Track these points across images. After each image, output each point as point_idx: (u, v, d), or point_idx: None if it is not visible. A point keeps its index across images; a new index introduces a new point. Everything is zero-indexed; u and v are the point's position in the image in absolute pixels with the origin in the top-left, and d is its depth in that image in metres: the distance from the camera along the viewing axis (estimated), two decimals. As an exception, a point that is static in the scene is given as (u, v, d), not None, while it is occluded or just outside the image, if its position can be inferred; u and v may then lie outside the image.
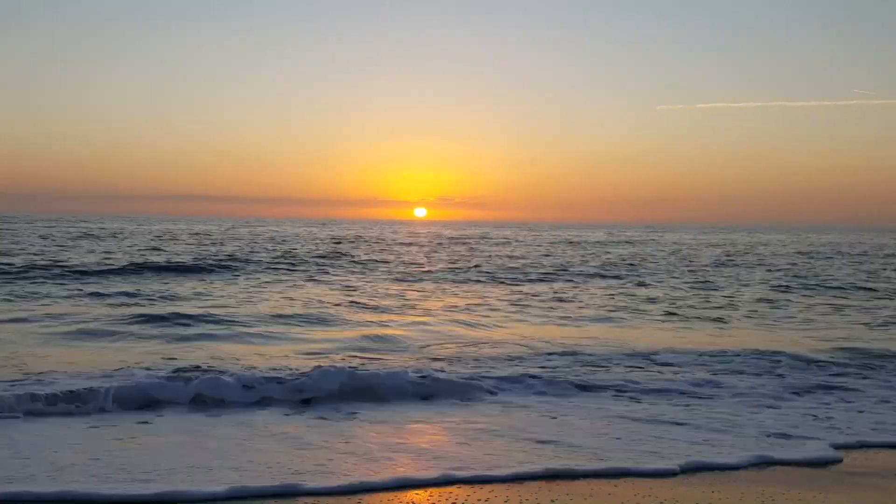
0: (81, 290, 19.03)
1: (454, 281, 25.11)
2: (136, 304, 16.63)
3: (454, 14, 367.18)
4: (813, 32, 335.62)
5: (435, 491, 5.73)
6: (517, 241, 63.47)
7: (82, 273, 23.02)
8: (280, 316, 15.36)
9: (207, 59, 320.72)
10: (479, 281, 25.34)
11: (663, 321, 16.28)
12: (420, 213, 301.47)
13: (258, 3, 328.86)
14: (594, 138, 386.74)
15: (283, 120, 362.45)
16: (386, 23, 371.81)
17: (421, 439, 7.13)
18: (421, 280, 25.22)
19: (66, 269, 23.62)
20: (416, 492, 5.71)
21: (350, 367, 9.46)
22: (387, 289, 21.99)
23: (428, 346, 12.44)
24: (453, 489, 5.78)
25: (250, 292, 19.84)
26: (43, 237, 45.09)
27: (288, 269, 27.29)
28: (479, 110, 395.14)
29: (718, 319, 16.66)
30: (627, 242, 62.18)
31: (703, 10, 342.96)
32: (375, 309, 17.22)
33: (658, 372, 10.53)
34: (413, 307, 17.79)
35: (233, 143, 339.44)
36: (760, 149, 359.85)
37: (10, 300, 16.86)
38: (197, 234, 60.29)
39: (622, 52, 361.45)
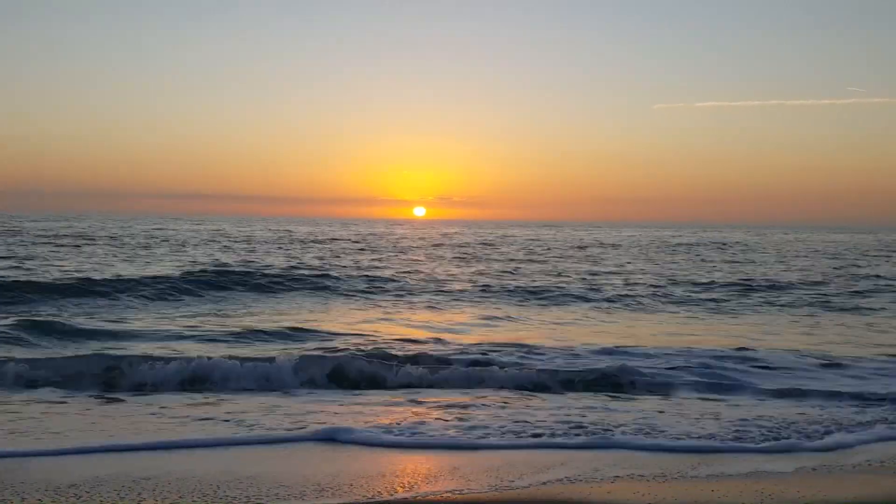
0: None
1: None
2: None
3: (454, 14, 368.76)
4: (810, 32, 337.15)
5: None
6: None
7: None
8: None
9: (207, 59, 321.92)
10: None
11: None
12: (419, 212, 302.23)
13: (258, 3, 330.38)
14: (593, 137, 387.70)
15: (283, 119, 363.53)
16: (386, 23, 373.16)
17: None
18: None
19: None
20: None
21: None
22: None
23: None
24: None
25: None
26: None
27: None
28: (477, 110, 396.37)
29: None
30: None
31: (700, 9, 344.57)
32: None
33: None
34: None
35: (232, 142, 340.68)
36: (758, 147, 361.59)
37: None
38: (242, 235, 57.07)
39: (621, 52, 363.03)
